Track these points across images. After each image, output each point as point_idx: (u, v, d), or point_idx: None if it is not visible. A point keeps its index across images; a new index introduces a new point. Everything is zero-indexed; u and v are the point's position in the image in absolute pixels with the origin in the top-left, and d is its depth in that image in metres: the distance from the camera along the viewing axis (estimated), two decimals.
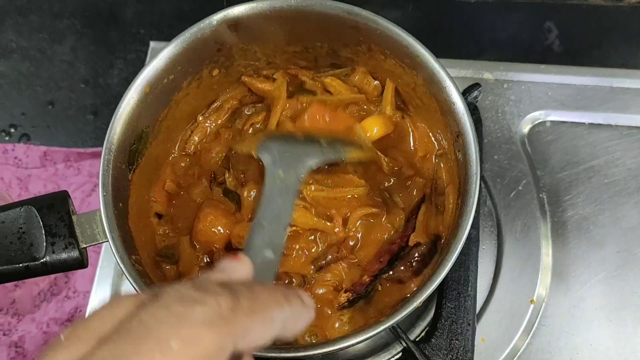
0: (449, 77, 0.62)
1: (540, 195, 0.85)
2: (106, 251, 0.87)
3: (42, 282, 1.09)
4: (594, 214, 0.84)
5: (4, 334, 0.99)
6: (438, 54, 0.65)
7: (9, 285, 1.02)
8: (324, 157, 0.65)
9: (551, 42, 1.02)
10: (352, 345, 0.56)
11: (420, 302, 0.57)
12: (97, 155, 1.08)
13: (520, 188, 0.85)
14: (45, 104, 1.11)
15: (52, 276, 1.09)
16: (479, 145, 0.62)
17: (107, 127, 1.07)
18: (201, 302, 0.35)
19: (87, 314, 0.88)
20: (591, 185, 0.85)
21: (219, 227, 0.68)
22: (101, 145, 1.06)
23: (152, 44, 0.97)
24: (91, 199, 1.09)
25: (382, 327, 0.57)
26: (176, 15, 1.10)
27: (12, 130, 1.09)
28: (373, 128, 0.71)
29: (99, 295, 0.86)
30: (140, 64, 1.08)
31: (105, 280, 0.86)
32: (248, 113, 0.76)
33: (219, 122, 0.75)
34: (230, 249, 0.68)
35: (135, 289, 0.58)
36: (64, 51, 1.13)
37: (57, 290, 1.09)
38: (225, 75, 0.75)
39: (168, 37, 1.07)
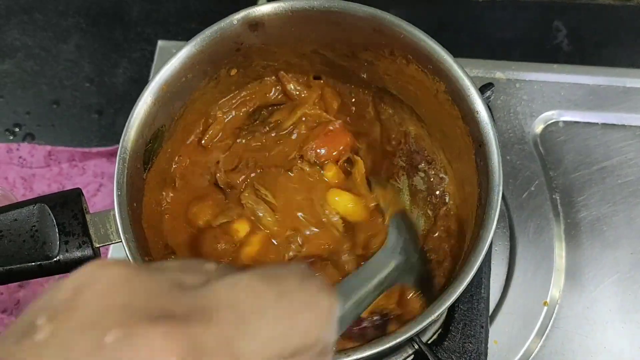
0: (473, 85, 0.62)
1: (553, 196, 0.85)
2: (114, 252, 0.86)
3: (46, 283, 1.08)
4: (608, 215, 0.84)
5: None
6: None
7: (13, 286, 1.01)
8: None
9: (560, 41, 1.02)
10: (371, 355, 0.55)
11: (443, 311, 0.56)
12: (102, 155, 1.07)
13: (532, 189, 0.85)
14: (50, 103, 1.10)
15: (57, 276, 1.08)
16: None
17: (112, 126, 1.09)
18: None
19: None
20: (605, 185, 0.85)
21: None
22: (106, 144, 1.08)
23: (160, 42, 0.97)
24: (96, 199, 1.09)
25: (402, 337, 0.56)
26: (183, 14, 1.09)
27: (17, 129, 1.08)
28: (341, 205, 0.70)
29: None
30: (145, 63, 1.07)
31: None
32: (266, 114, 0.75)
33: (237, 117, 0.74)
34: None
35: None
36: (69, 50, 1.12)
37: None
38: (244, 76, 0.74)
39: (174, 36, 1.07)
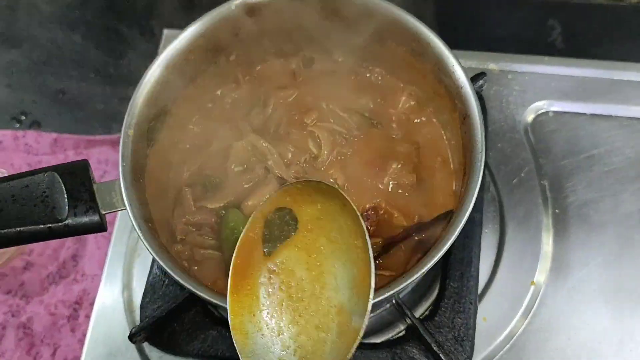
0: (457, 61, 0.65)
1: (542, 182, 0.87)
2: (117, 235, 0.89)
3: (50, 265, 1.10)
4: (594, 200, 0.86)
5: (13, 316, 1.00)
6: None
7: (18, 267, 1.04)
8: None
9: (554, 39, 1.04)
10: None
11: (425, 271, 0.59)
12: (107, 142, 1.10)
13: (522, 175, 0.87)
14: (56, 93, 1.13)
15: (61, 259, 1.10)
16: (485, 135, 0.65)
17: (117, 115, 1.11)
18: None
19: (96, 298, 0.89)
20: (592, 173, 0.88)
21: None
22: (110, 133, 1.10)
23: (165, 31, 0.99)
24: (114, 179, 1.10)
25: (387, 294, 0.60)
26: (187, 6, 1.12)
27: (23, 117, 1.10)
28: None
29: (110, 274, 0.87)
30: (151, 55, 1.08)
31: (117, 262, 0.88)
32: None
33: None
34: None
35: (150, 252, 0.60)
36: (75, 41, 1.15)
37: (66, 273, 1.10)
38: (244, 59, 0.77)
39: (179, 28, 1.09)
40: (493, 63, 0.94)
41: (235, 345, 0.61)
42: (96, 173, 1.16)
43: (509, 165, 0.88)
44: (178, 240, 0.70)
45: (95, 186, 0.61)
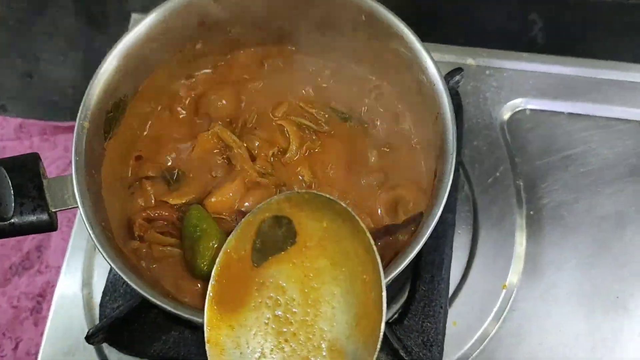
0: (430, 57, 0.63)
1: (517, 182, 0.85)
2: (78, 229, 0.86)
3: (14, 256, 1.08)
4: (569, 202, 0.85)
5: None
6: (421, 39, 0.65)
7: None
8: None
9: (535, 35, 1.02)
10: None
11: (392, 277, 0.57)
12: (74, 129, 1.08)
13: (497, 174, 0.85)
14: (23, 76, 1.10)
15: (25, 250, 1.07)
16: (458, 128, 0.63)
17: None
18: None
19: (54, 293, 0.85)
20: (568, 173, 0.86)
21: None
22: None
23: (134, 15, 0.96)
24: (67, 174, 1.08)
25: None
26: None
27: None
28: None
29: (70, 270, 0.84)
30: None
31: (77, 257, 0.85)
32: None
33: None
34: None
35: (103, 256, 0.57)
36: (44, 22, 1.12)
37: (29, 264, 1.07)
38: (209, 48, 0.74)
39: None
40: (471, 58, 0.91)
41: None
42: (62, 161, 1.13)
43: (484, 163, 0.86)
44: (136, 237, 0.67)
45: (45, 182, 0.58)
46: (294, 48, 0.75)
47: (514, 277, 0.81)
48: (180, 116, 0.75)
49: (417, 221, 0.66)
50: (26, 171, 0.57)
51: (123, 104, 0.67)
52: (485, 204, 0.84)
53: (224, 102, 0.74)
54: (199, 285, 0.66)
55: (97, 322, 0.78)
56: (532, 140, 0.88)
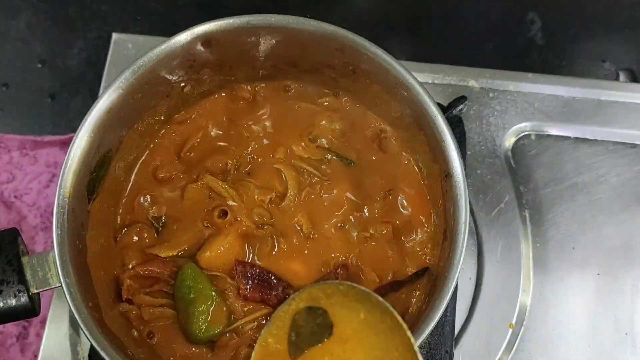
0: (440, 113, 0.58)
1: (523, 213, 0.82)
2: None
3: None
4: (576, 233, 0.82)
5: None
6: (418, 47, 0.60)
7: None
8: None
9: (534, 34, 1.00)
10: None
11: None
12: (55, 143, 1.02)
13: (502, 205, 0.82)
14: None
15: None
16: (464, 162, 0.59)
17: (66, 111, 1.03)
18: None
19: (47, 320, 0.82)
20: (574, 203, 0.83)
21: None
22: (60, 132, 1.02)
23: (114, 36, 0.90)
24: (49, 191, 1.04)
25: None
26: None
27: None
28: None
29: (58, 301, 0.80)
30: (102, 44, 1.01)
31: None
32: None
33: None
34: None
35: (90, 341, 0.54)
36: (19, 28, 1.05)
37: None
38: (198, 90, 0.69)
39: (131, 15, 1.00)
40: (473, 80, 0.87)
41: None
42: (44, 177, 1.09)
43: (489, 194, 0.83)
44: (124, 300, 0.63)
45: (24, 260, 0.53)
46: (290, 84, 0.70)
47: (520, 315, 0.79)
48: (166, 164, 0.70)
49: (424, 276, 0.63)
50: (4, 253, 0.52)
51: (107, 160, 0.62)
52: (490, 237, 0.81)
53: (216, 145, 0.69)
54: (196, 350, 0.63)
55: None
56: (538, 168, 0.84)
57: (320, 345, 0.58)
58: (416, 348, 0.54)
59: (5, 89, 1.04)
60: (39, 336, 0.91)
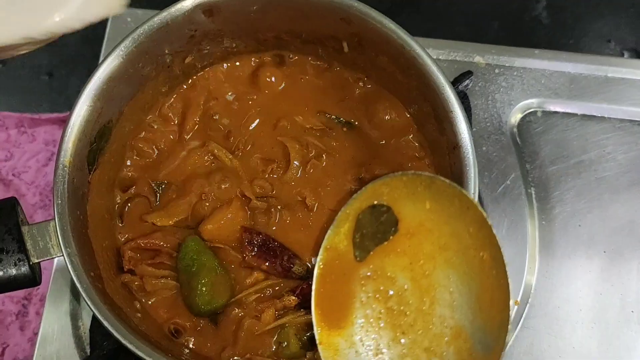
0: (448, 82, 0.57)
1: (529, 190, 0.81)
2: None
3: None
4: (583, 211, 0.81)
5: None
6: (423, 25, 0.59)
7: None
8: None
9: (539, 13, 0.98)
10: None
11: None
12: (54, 121, 1.01)
13: (508, 182, 0.81)
14: None
15: None
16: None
17: (64, 89, 1.02)
18: None
19: (47, 294, 0.81)
20: (581, 180, 0.82)
21: None
22: (58, 109, 1.01)
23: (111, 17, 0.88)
24: (48, 169, 1.03)
25: None
26: None
27: None
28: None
29: (58, 274, 0.79)
30: (100, 21, 0.99)
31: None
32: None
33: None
34: None
35: (93, 310, 0.53)
36: None
37: None
38: (199, 61, 0.68)
39: None
40: (479, 56, 0.85)
41: None
42: (43, 155, 1.08)
43: (494, 171, 0.81)
44: (125, 271, 0.62)
45: (24, 230, 0.52)
46: (293, 56, 0.69)
47: (526, 292, 0.78)
48: (170, 134, 0.69)
49: None
50: (3, 222, 0.51)
51: (108, 131, 0.61)
52: (496, 215, 0.80)
53: (217, 117, 0.68)
54: (201, 322, 0.62)
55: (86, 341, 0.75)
56: (544, 145, 0.83)
57: (385, 243, 0.57)
58: (490, 221, 0.54)
59: (2, 66, 1.03)
60: (39, 314, 0.91)
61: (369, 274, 0.56)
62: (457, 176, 0.58)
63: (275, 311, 0.63)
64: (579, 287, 0.78)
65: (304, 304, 0.62)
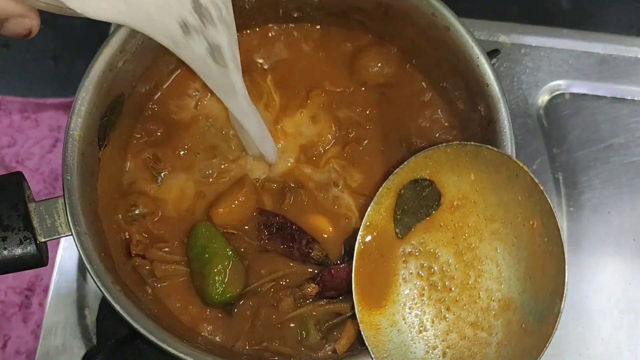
0: (484, 55, 0.54)
1: (556, 175, 0.79)
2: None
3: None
4: (612, 197, 0.78)
5: None
6: None
7: None
8: None
9: None
10: None
11: None
12: (58, 106, 1.00)
13: (534, 167, 0.79)
14: None
15: None
16: None
17: (69, 74, 1.00)
18: None
19: (51, 284, 0.80)
20: (610, 165, 0.79)
21: None
22: (63, 94, 0.99)
23: None
24: (52, 156, 1.01)
25: None
26: None
27: None
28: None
29: (64, 263, 0.78)
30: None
31: (72, 246, 0.77)
32: None
33: None
34: None
35: (103, 292, 0.50)
36: None
37: None
38: None
39: None
40: (504, 35, 0.82)
41: (365, 342, 0.52)
42: (47, 141, 1.06)
43: (520, 155, 0.78)
44: (133, 256, 0.59)
45: (31, 207, 0.49)
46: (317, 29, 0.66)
47: None
48: (185, 109, 0.66)
49: None
50: (7, 197, 0.48)
51: (119, 105, 0.58)
52: None
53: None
54: (212, 312, 0.59)
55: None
56: (572, 128, 0.80)
57: (428, 219, 0.55)
58: (541, 187, 0.52)
59: (6, 50, 1.01)
60: (42, 305, 0.89)
61: (410, 250, 0.55)
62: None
63: (294, 300, 0.60)
64: (608, 277, 0.76)
65: (325, 293, 0.60)
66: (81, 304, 0.75)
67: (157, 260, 0.60)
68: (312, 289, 0.60)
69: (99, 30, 0.97)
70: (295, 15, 0.64)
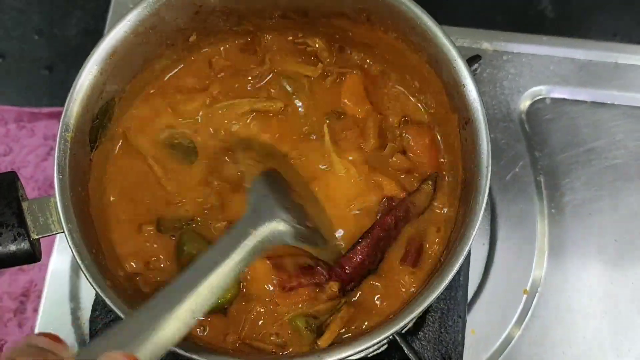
0: (460, 55, 0.56)
1: (538, 178, 0.80)
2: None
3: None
4: (593, 199, 0.80)
5: None
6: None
7: None
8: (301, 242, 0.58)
9: (544, 7, 0.98)
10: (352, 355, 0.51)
11: (424, 308, 0.52)
12: (54, 115, 1.01)
13: (517, 170, 0.80)
14: None
15: None
16: None
17: (64, 83, 1.01)
18: None
19: (45, 288, 0.81)
20: (591, 168, 0.81)
21: None
22: (57, 104, 1.00)
23: None
24: (47, 164, 1.03)
25: (386, 334, 0.52)
26: None
27: None
28: None
29: (57, 266, 0.79)
30: (101, 14, 0.99)
31: (65, 251, 0.79)
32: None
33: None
34: None
35: (94, 288, 0.51)
36: None
37: None
38: (203, 40, 0.67)
39: None
40: (487, 42, 0.85)
41: None
42: (42, 150, 1.07)
43: (503, 159, 0.80)
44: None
45: (25, 205, 0.51)
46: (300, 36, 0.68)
47: (535, 281, 0.77)
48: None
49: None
50: (2, 195, 0.50)
51: (110, 108, 0.60)
52: (505, 203, 0.79)
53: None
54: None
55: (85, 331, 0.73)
56: (554, 132, 0.82)
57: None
58: None
59: (1, 60, 1.02)
60: (36, 311, 0.90)
61: None
62: (470, 152, 0.56)
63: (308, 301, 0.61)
64: (590, 277, 0.77)
65: (345, 287, 0.61)
66: (75, 306, 0.77)
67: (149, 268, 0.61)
68: (334, 287, 0.60)
69: (92, 41, 0.99)
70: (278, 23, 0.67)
